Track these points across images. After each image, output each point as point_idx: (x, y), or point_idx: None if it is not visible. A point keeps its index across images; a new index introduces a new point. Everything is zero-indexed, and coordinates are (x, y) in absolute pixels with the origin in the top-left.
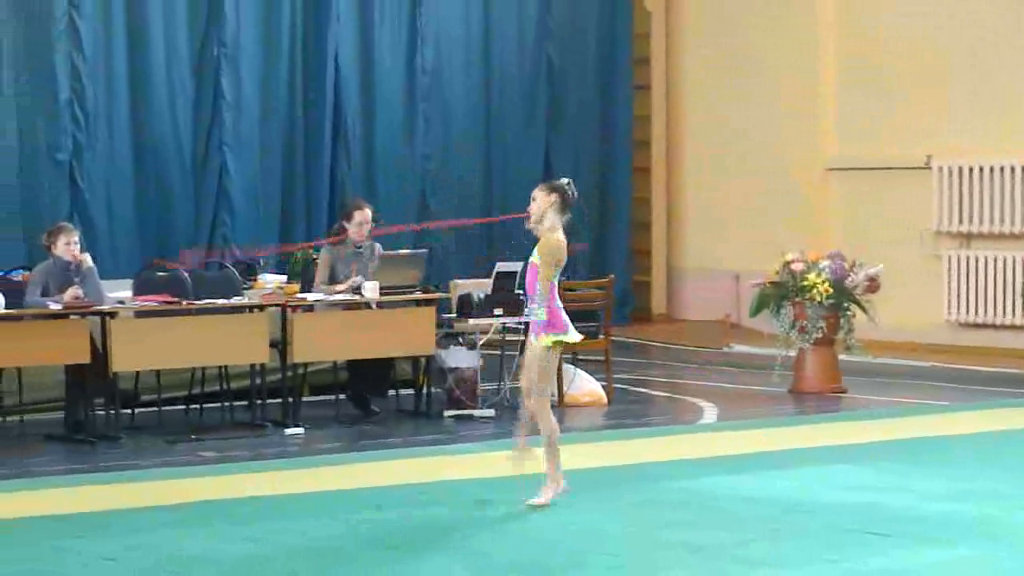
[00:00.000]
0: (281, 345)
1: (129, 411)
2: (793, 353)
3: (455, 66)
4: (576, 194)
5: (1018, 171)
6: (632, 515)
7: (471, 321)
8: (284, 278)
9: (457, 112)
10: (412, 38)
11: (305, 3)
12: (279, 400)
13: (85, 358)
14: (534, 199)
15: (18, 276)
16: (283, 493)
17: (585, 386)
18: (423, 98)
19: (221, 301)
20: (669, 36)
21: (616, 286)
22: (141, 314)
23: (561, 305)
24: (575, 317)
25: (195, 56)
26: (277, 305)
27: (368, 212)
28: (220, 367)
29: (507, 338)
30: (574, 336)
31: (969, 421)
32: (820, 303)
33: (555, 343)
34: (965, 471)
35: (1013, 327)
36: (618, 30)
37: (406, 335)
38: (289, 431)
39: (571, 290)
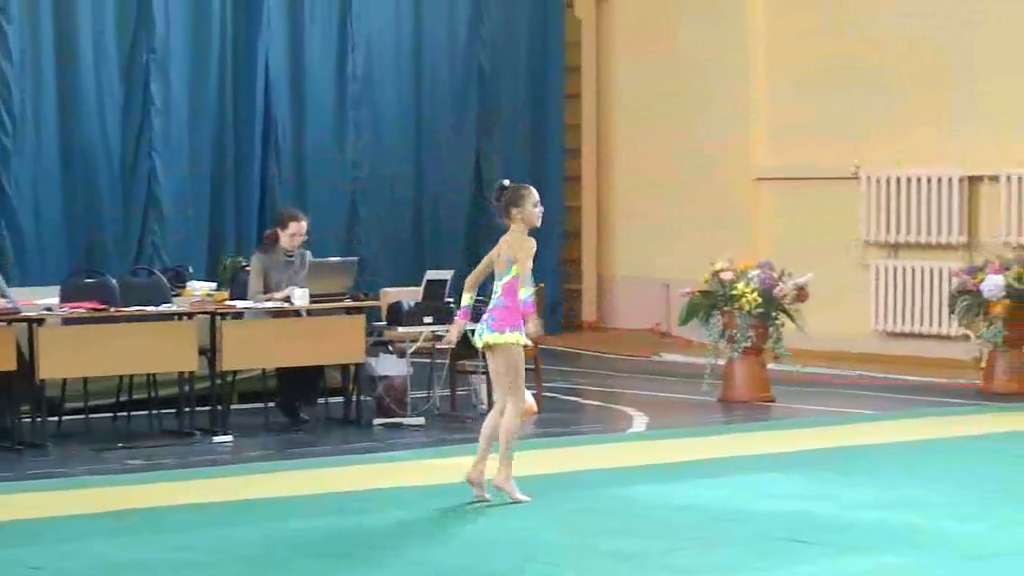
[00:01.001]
0: (210, 353)
1: (56, 419)
2: (722, 362)
3: (386, 72)
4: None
5: (945, 181)
6: (566, 523)
7: (401, 329)
8: (213, 285)
9: (388, 119)
10: (343, 44)
11: (235, 9)
12: (208, 408)
13: (11, 365)
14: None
15: None
16: (212, 501)
17: None
18: (354, 104)
19: (150, 308)
20: (600, 45)
21: (547, 294)
22: (69, 321)
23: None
24: None
25: (124, 61)
26: (206, 312)
27: (304, 224)
28: (148, 375)
29: (437, 346)
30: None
31: (896, 430)
32: (749, 312)
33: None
34: (892, 480)
35: (940, 337)
36: (549, 38)
37: (336, 343)
38: (218, 439)
39: None
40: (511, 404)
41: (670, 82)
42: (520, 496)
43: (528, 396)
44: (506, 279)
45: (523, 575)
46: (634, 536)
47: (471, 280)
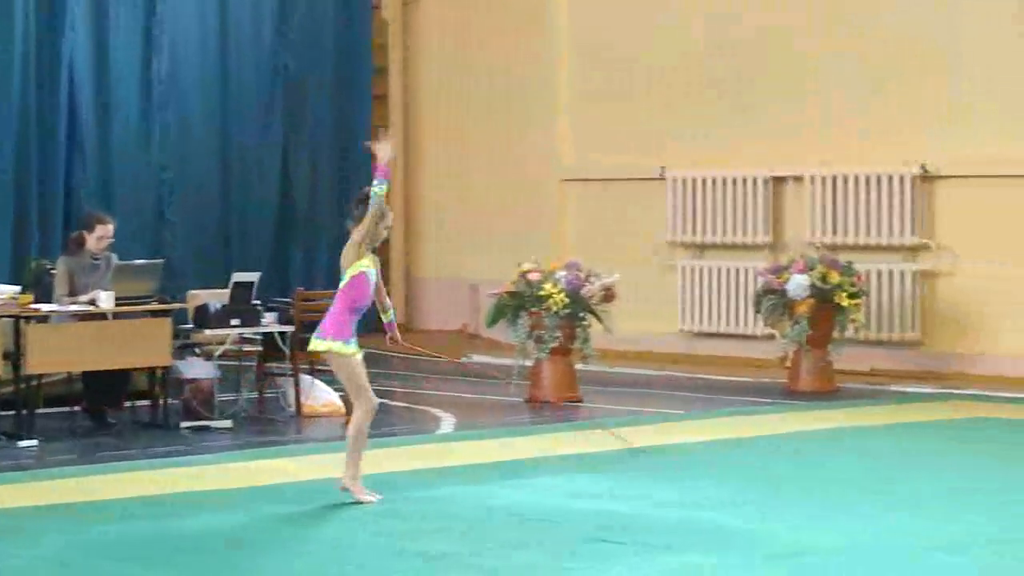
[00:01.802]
0: (15, 356)
1: None
2: (530, 363)
3: (191, 75)
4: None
5: (750, 182)
6: (374, 525)
7: (208, 332)
8: (18, 288)
9: (194, 120)
10: (147, 46)
11: (39, 11)
12: (12, 412)
13: None
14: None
15: None
16: (17, 506)
17: (323, 396)
18: (159, 107)
19: None
20: (407, 46)
21: None
22: None
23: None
24: (313, 328)
25: None
26: (10, 316)
27: (111, 227)
28: None
29: (244, 349)
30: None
31: (702, 429)
32: (556, 313)
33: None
34: (698, 479)
35: (745, 336)
36: (357, 39)
37: (142, 346)
38: (23, 443)
39: (309, 300)
40: (357, 407)
41: (477, 83)
42: (366, 497)
43: (335, 397)
44: (342, 283)
45: None
46: (442, 538)
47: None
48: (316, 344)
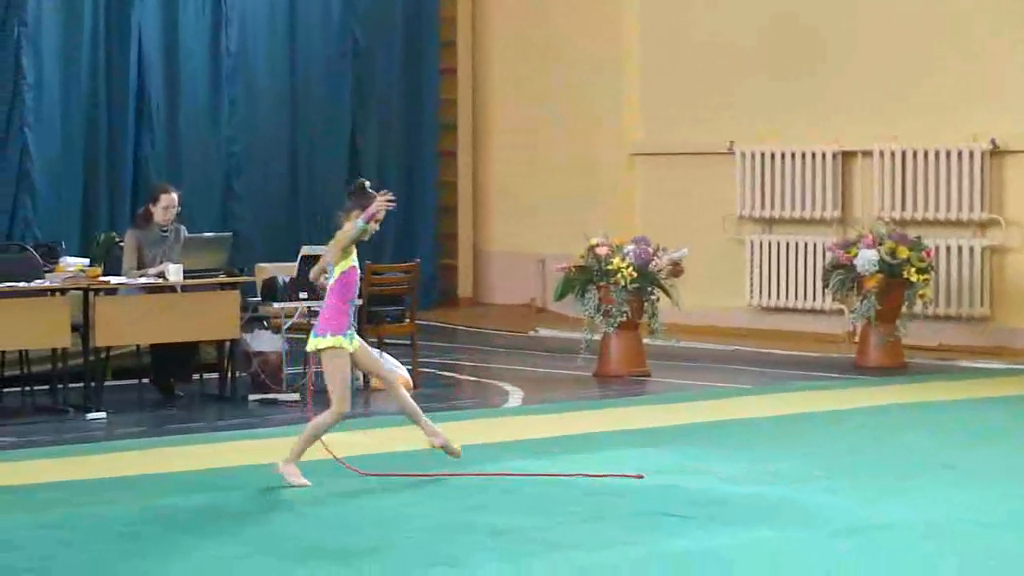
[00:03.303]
0: (83, 329)
1: None
2: (598, 337)
3: (260, 48)
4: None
5: (818, 157)
6: (441, 499)
7: (276, 305)
8: (87, 261)
9: (262, 94)
10: (217, 19)
11: None
12: (81, 384)
13: None
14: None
15: None
16: (85, 478)
17: (391, 369)
18: (228, 80)
19: (21, 284)
20: (475, 19)
21: (422, 270)
22: None
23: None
24: (381, 301)
25: None
26: (79, 288)
27: (175, 196)
28: (20, 351)
29: (312, 322)
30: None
31: (770, 404)
32: (624, 287)
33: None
34: (765, 454)
35: (813, 311)
36: (425, 12)
37: (210, 319)
38: (91, 416)
39: (377, 274)
40: (332, 405)
41: (545, 57)
42: (300, 480)
43: (403, 371)
44: (331, 281)
45: (397, 551)
46: (508, 512)
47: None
48: (318, 342)
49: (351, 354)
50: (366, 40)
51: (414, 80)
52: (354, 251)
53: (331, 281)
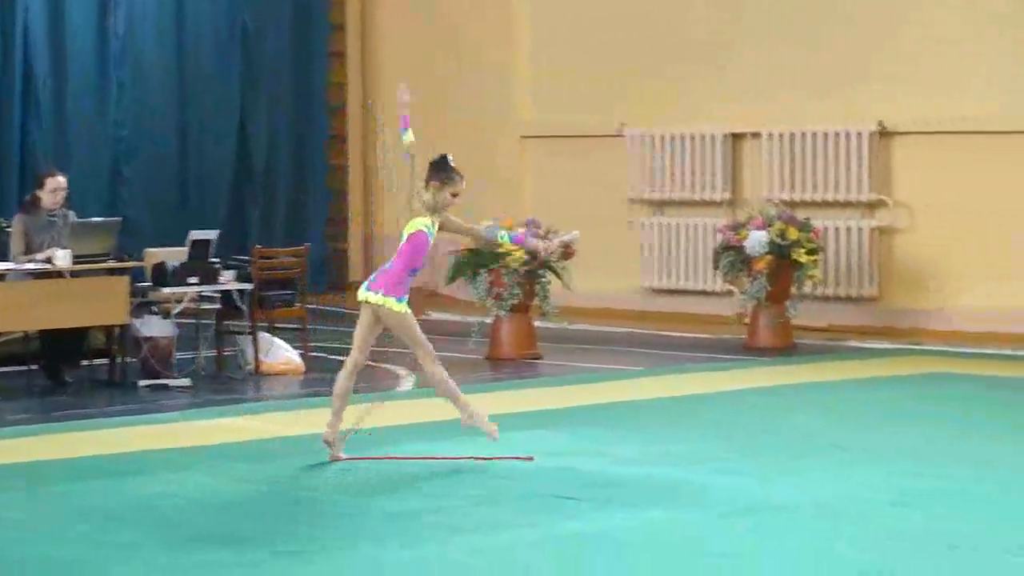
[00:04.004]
0: None
1: None
2: (490, 320)
3: (148, 31)
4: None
5: (708, 139)
6: (335, 483)
7: (166, 290)
8: None
9: (150, 78)
10: (103, 2)
11: None
12: None
13: None
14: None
15: None
16: None
17: (281, 354)
18: (116, 63)
19: None
20: (365, 2)
21: (313, 254)
22: None
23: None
24: (272, 285)
25: None
26: None
27: (61, 180)
28: None
29: (202, 307)
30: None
31: (662, 386)
32: (516, 270)
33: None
34: (657, 435)
35: (704, 293)
36: None
37: (99, 304)
38: None
39: (267, 258)
40: (422, 361)
41: (435, 40)
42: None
43: (294, 355)
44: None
45: (289, 536)
46: (402, 495)
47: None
48: (368, 295)
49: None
50: (255, 23)
51: (303, 63)
52: (427, 214)
53: (401, 241)
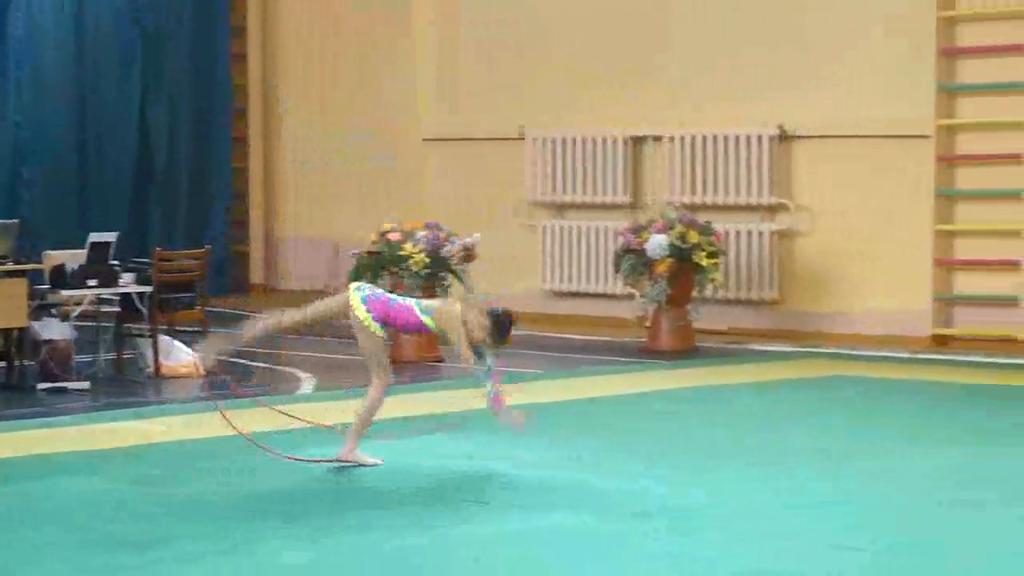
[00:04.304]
0: None
1: None
2: None
3: (47, 32)
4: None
5: (609, 142)
6: (234, 485)
7: (65, 292)
8: None
9: (50, 78)
10: (2, 3)
11: None
12: None
13: None
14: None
15: None
16: None
17: (181, 357)
18: (15, 64)
19: None
20: (266, 5)
21: (214, 256)
22: None
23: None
24: (172, 288)
25: None
26: None
27: None
28: None
29: (102, 310)
30: None
31: (562, 389)
32: (417, 273)
33: None
34: (558, 439)
35: (606, 296)
36: None
37: None
38: None
39: (167, 260)
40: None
41: (337, 43)
42: (370, 460)
43: (194, 357)
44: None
45: (190, 539)
46: (303, 498)
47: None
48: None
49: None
50: (155, 25)
51: (205, 66)
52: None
53: (421, 316)
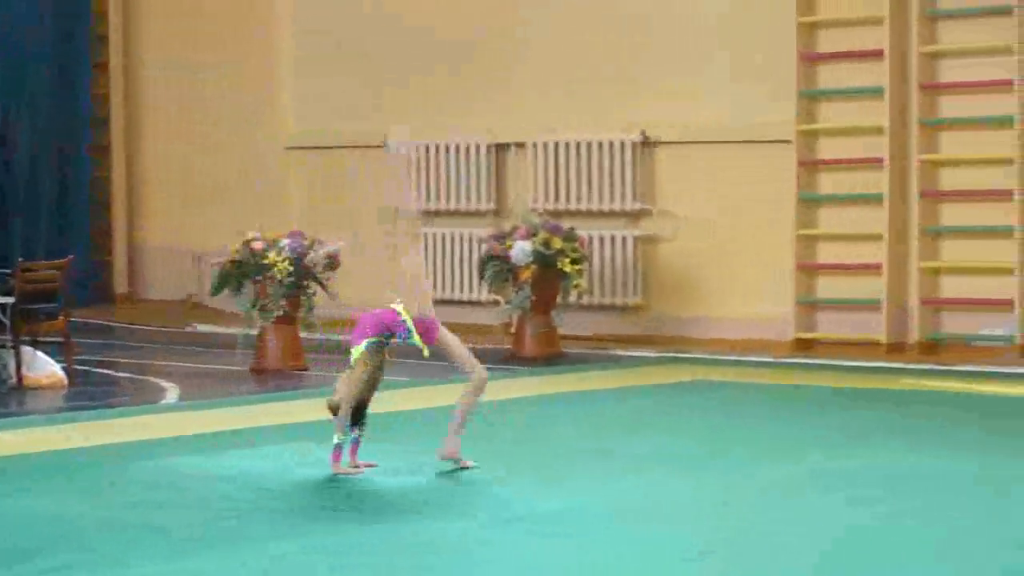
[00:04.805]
0: None
1: None
2: (255, 332)
3: None
4: None
5: (472, 149)
6: (97, 498)
7: None
8: None
9: None
10: None
11: None
12: None
13: None
14: None
15: None
16: None
17: (45, 368)
18: None
19: None
20: (127, 13)
21: (76, 266)
22: None
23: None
24: (34, 298)
25: None
26: None
27: None
28: None
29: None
30: None
31: (424, 397)
32: (281, 281)
33: None
34: (421, 445)
35: (471, 303)
36: (76, 5)
37: None
38: None
39: (28, 271)
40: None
41: (198, 52)
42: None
43: (57, 369)
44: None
45: (58, 552)
46: (169, 509)
47: None
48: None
49: None
50: (14, 33)
51: (66, 74)
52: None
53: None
